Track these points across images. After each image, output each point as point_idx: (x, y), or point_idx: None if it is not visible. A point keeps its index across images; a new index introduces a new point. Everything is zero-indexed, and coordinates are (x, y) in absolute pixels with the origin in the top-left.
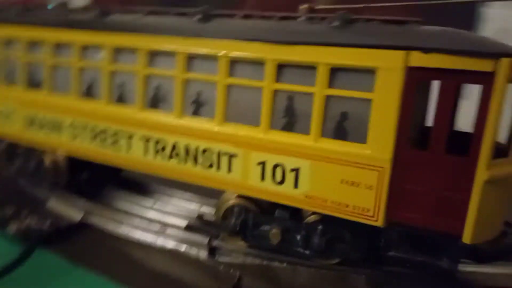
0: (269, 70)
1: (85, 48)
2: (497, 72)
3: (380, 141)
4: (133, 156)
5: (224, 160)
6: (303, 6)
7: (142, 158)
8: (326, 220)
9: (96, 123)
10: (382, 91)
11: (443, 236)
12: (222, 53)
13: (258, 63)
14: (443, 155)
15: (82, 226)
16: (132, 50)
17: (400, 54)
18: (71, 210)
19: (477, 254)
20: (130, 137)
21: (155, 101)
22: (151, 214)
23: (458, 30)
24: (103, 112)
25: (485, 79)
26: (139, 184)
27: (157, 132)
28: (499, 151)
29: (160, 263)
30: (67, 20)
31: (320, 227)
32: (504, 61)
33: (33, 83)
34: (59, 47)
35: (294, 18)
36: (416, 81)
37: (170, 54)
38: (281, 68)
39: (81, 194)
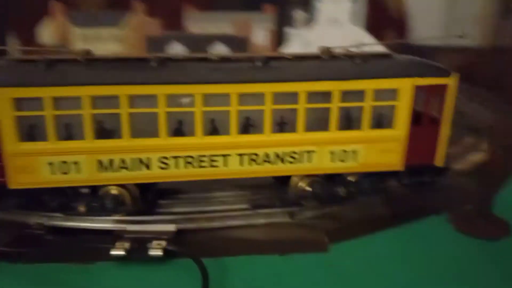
0: (336, 97)
1: (171, 97)
2: (450, 83)
3: (401, 125)
4: (230, 168)
5: (305, 156)
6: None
7: (238, 168)
8: (366, 175)
9: (190, 153)
10: (402, 100)
11: (425, 167)
12: (302, 89)
13: (327, 93)
14: (428, 127)
15: (179, 233)
16: (223, 94)
17: (411, 80)
18: (163, 226)
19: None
20: (226, 156)
21: (245, 128)
22: (222, 207)
23: (424, 60)
24: (198, 143)
25: (444, 87)
26: (179, 191)
27: (250, 149)
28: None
29: (258, 234)
30: (146, 77)
31: (369, 179)
32: (452, 76)
33: (102, 133)
34: (135, 98)
35: (315, 57)
36: (417, 93)
37: (256, 94)
38: (344, 94)
39: (152, 211)
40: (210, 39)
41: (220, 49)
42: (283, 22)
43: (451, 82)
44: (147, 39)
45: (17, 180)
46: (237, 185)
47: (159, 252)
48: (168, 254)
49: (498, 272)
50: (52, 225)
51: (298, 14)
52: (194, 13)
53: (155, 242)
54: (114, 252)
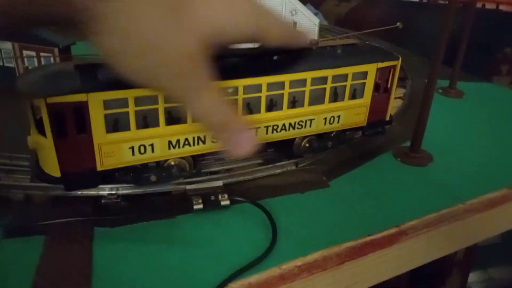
0: (329, 80)
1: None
2: (397, 64)
3: (367, 96)
4: (259, 137)
5: (308, 123)
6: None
7: (265, 136)
8: (342, 131)
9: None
10: (369, 78)
11: (379, 121)
12: (309, 76)
13: (324, 77)
14: (382, 94)
15: (226, 185)
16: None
17: (375, 64)
18: (213, 182)
19: None
20: (257, 129)
21: (269, 108)
22: (243, 164)
23: (382, 48)
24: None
25: (394, 67)
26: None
27: (273, 122)
28: None
29: (278, 181)
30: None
31: (344, 133)
32: (399, 59)
33: (170, 121)
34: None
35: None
36: (377, 73)
37: (280, 83)
38: (334, 77)
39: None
40: None
41: None
42: None
43: (398, 63)
44: None
45: (104, 163)
46: None
47: (227, 202)
48: (232, 203)
49: (425, 184)
50: (123, 194)
51: None
52: None
53: (220, 195)
54: (196, 207)
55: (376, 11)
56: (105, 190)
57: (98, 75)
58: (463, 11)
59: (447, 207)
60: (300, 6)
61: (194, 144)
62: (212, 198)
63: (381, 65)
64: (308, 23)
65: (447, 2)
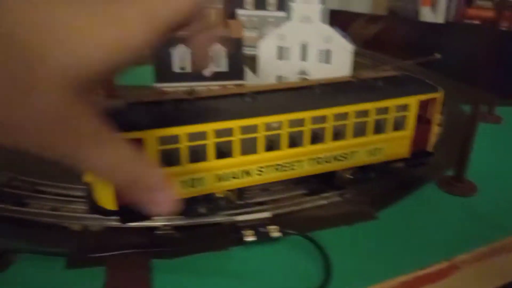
0: (372, 112)
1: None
2: (438, 96)
3: (410, 127)
4: (304, 169)
5: (351, 155)
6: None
7: (308, 169)
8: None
9: (278, 161)
10: (411, 110)
11: (421, 152)
12: (352, 109)
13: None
14: (424, 125)
15: (274, 216)
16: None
17: (417, 97)
18: (261, 214)
19: None
20: (301, 161)
21: (313, 140)
22: (288, 194)
23: (422, 80)
24: (284, 154)
25: (435, 99)
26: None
27: (316, 154)
28: None
29: (324, 212)
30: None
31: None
32: (440, 91)
33: (219, 155)
34: (245, 129)
35: (348, 82)
36: (418, 105)
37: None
38: (377, 109)
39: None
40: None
41: (217, 48)
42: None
43: (439, 95)
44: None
45: None
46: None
47: (279, 234)
48: (283, 235)
49: (472, 215)
50: (176, 225)
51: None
52: None
53: (269, 227)
54: (246, 239)
55: (403, 32)
56: (158, 221)
57: (151, 113)
58: (489, 32)
59: (495, 239)
60: (334, 34)
61: (240, 177)
62: (261, 229)
63: (422, 97)
64: (342, 50)
65: (473, 22)
